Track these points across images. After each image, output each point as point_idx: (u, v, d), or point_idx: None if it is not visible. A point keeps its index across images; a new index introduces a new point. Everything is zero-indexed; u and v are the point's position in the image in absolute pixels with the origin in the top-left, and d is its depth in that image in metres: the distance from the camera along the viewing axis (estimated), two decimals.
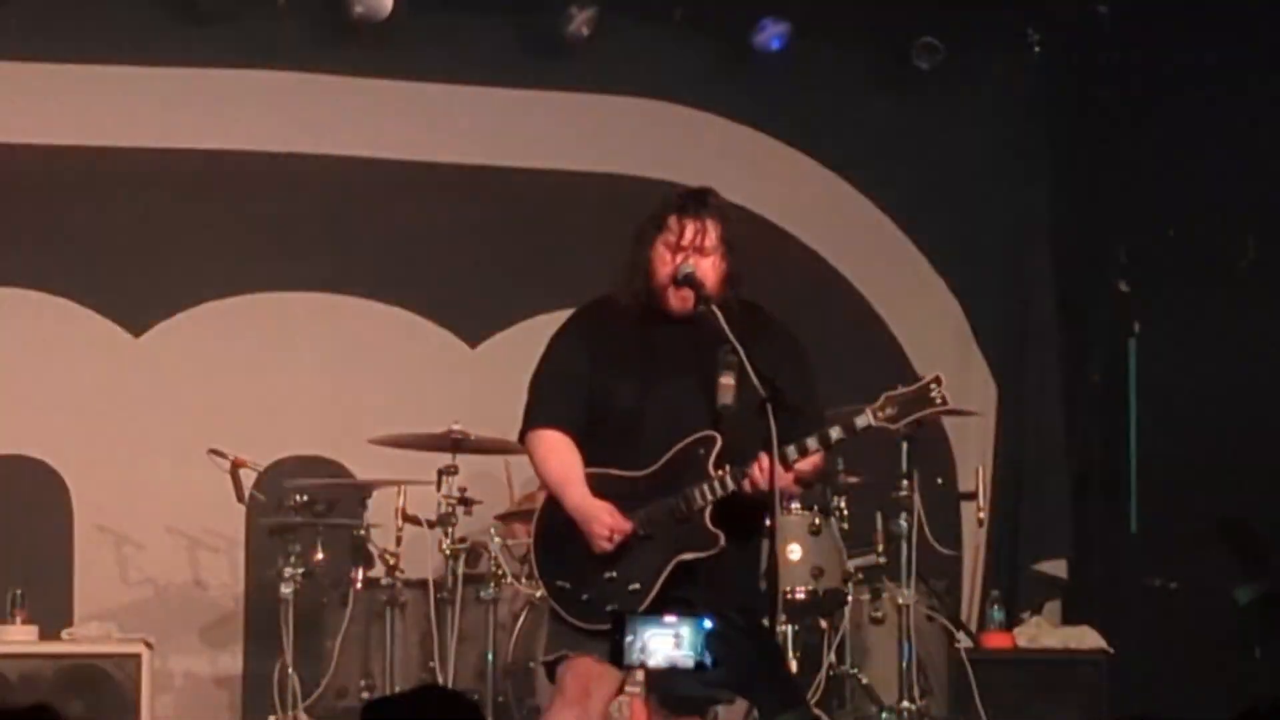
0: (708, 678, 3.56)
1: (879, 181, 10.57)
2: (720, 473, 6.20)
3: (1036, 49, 10.57)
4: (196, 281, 9.96)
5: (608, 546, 6.20)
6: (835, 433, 6.24)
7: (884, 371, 9.75)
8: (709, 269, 6.25)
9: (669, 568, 6.17)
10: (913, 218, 10.63)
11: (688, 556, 6.18)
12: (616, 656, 3.61)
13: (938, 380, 6.31)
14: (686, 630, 3.56)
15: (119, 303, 9.87)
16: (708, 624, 3.55)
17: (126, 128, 9.87)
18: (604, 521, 6.20)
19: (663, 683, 6.01)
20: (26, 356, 9.76)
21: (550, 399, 6.36)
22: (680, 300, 6.26)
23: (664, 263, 6.25)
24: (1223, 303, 9.97)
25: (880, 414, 6.27)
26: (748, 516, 6.25)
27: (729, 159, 10.37)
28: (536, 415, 6.38)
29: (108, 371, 9.85)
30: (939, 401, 6.32)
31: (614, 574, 6.21)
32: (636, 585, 6.17)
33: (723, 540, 6.18)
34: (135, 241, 9.83)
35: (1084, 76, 10.54)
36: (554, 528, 6.36)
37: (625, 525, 6.21)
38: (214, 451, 9.04)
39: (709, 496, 6.19)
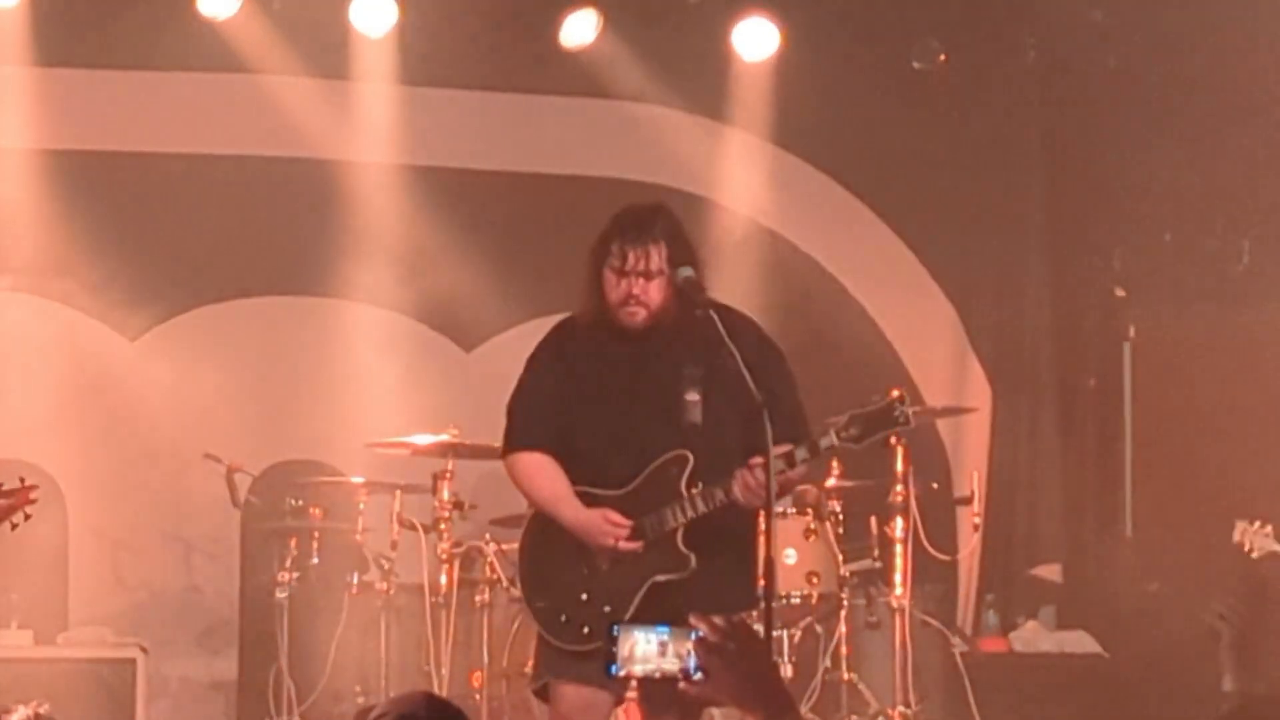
0: (698, 685, 3.57)
1: (874, 186, 10.58)
2: (693, 492, 6.27)
3: (1032, 54, 10.58)
4: (192, 286, 9.98)
5: (621, 548, 6.24)
6: (801, 453, 6.29)
7: (879, 375, 9.79)
8: (655, 291, 6.29)
9: (643, 590, 6.24)
10: (908, 222, 10.63)
11: (660, 579, 6.25)
12: (609, 665, 3.63)
13: (901, 399, 6.36)
14: (674, 639, 3.57)
15: (114, 308, 9.88)
16: (699, 633, 3.56)
17: (122, 132, 9.88)
18: (606, 530, 6.26)
19: (650, 688, 6.05)
20: (21, 361, 9.77)
21: (528, 422, 6.43)
22: (629, 316, 6.30)
23: (611, 287, 6.33)
24: (1217, 308, 9.98)
25: (843, 433, 6.33)
26: (723, 534, 6.29)
27: (724, 163, 10.39)
28: (516, 438, 6.45)
29: (103, 376, 9.86)
30: (902, 420, 6.37)
31: (588, 595, 6.29)
32: (609, 608, 6.25)
33: (694, 562, 6.25)
34: (130, 246, 9.84)
35: (1080, 82, 10.54)
36: (535, 548, 6.46)
37: (625, 524, 6.25)
38: (209, 456, 9.06)
39: (680, 518, 6.26)
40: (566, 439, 6.37)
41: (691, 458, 6.26)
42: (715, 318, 6.16)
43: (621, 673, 3.59)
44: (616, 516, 6.27)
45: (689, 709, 6.16)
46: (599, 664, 5.62)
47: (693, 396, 6.24)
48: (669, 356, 6.30)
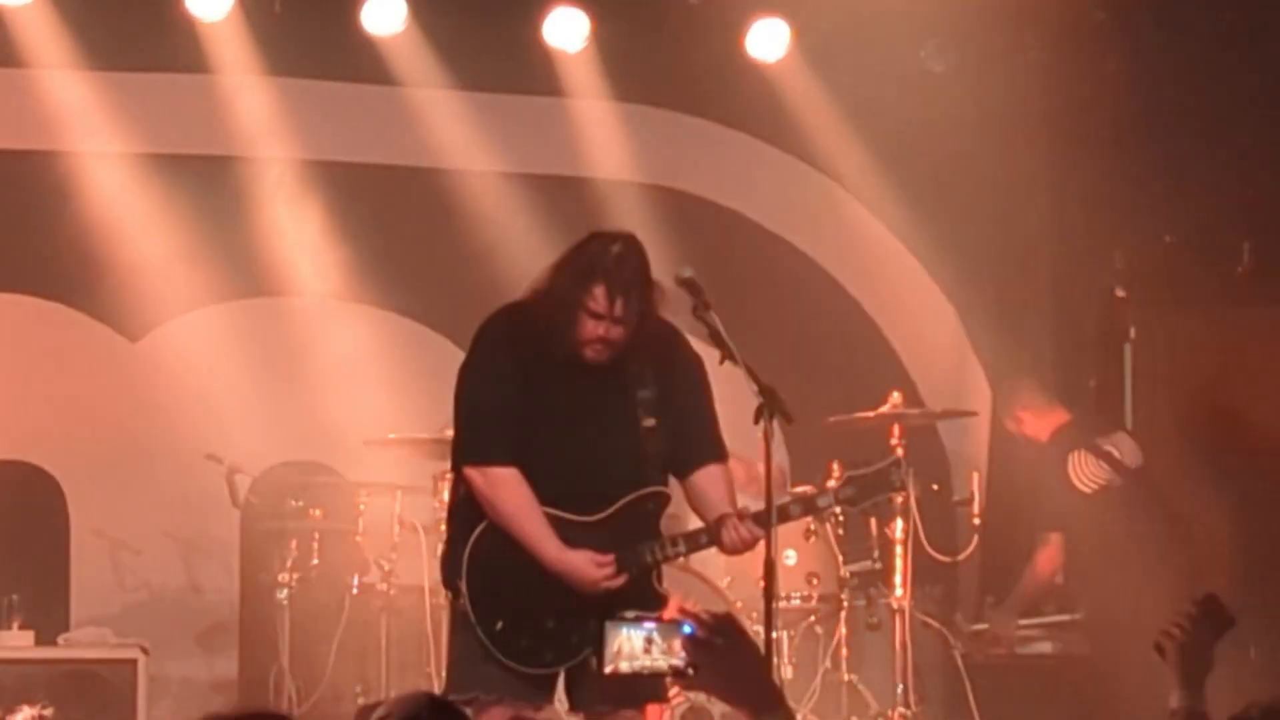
0: (687, 681, 3.59)
1: (872, 187, 10.57)
2: (675, 534, 6.33)
3: (1032, 54, 10.57)
4: (193, 287, 9.97)
5: (607, 588, 6.21)
6: (796, 510, 6.47)
7: (878, 377, 9.80)
8: (625, 332, 6.22)
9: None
10: (908, 223, 10.63)
11: (629, 615, 6.18)
12: (599, 663, 3.65)
13: (897, 464, 6.54)
14: (661, 635, 3.58)
15: (116, 308, 9.89)
16: (687, 628, 3.57)
17: (123, 134, 9.87)
18: (593, 574, 6.19)
19: (586, 693, 6.13)
20: (24, 362, 9.79)
21: (497, 433, 6.24)
22: (594, 354, 6.26)
23: (582, 325, 6.22)
24: (1217, 308, 9.98)
25: (840, 494, 6.47)
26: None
27: (723, 164, 10.40)
28: (489, 450, 6.25)
29: (104, 376, 9.88)
30: (898, 485, 6.60)
31: (554, 623, 6.20)
32: (576, 638, 6.18)
33: (670, 601, 6.28)
34: (132, 247, 9.84)
35: (1082, 83, 10.53)
36: (490, 565, 6.26)
37: (609, 563, 6.21)
38: (210, 457, 9.08)
39: (658, 556, 6.26)
40: (527, 455, 6.22)
41: (670, 497, 6.31)
42: (719, 325, 6.18)
43: (609, 669, 3.61)
44: (600, 557, 6.18)
45: (624, 702, 6.18)
46: (547, 689, 5.74)
47: (649, 422, 6.24)
48: (625, 380, 6.27)
